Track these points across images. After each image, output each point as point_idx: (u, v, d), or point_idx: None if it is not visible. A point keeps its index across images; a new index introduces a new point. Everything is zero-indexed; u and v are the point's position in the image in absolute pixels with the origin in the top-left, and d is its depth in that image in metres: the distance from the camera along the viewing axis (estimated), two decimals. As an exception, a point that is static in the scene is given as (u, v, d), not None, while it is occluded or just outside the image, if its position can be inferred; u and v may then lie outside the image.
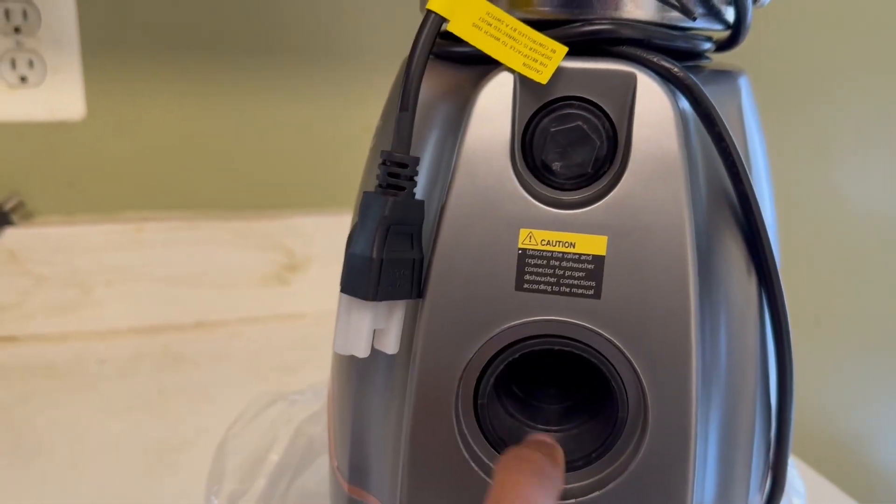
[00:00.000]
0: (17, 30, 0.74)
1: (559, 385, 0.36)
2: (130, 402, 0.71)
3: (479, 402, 0.32)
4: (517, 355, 0.32)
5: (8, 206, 0.78)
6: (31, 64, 0.75)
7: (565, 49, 0.30)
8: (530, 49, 0.30)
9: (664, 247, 0.30)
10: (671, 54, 0.33)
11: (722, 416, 0.33)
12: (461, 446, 0.33)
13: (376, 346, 0.32)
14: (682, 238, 0.30)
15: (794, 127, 0.95)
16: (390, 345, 0.32)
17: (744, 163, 0.32)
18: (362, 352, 0.31)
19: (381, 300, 0.30)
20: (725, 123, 0.31)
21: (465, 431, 0.33)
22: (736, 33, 0.35)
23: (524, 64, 0.30)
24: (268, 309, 0.87)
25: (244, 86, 0.82)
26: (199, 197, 0.84)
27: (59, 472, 0.60)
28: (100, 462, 0.61)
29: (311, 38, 0.82)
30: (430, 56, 0.35)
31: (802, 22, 0.90)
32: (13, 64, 0.75)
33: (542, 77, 0.30)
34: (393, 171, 0.30)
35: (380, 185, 0.31)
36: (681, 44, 0.34)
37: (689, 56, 0.35)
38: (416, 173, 0.31)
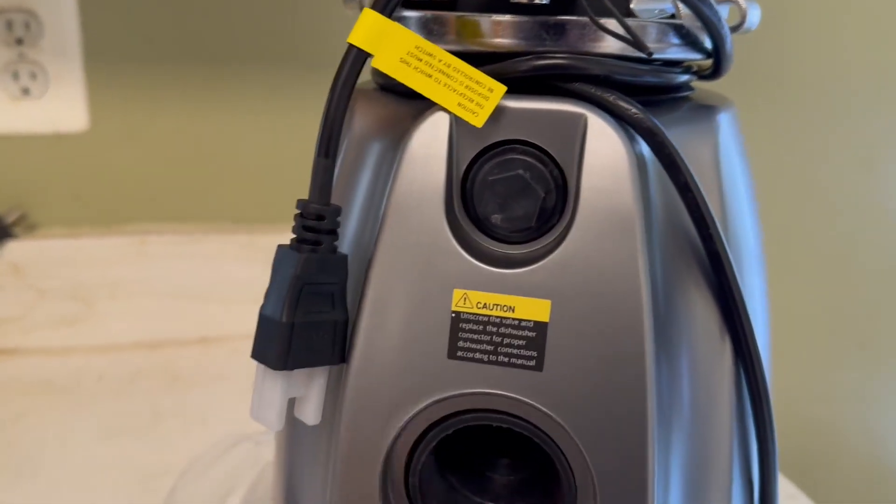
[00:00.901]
0: (19, 41, 0.73)
1: (514, 454, 0.33)
2: (123, 424, 0.70)
3: (409, 480, 0.29)
4: (450, 431, 0.28)
5: (10, 218, 0.77)
6: (33, 76, 0.74)
7: (503, 88, 0.27)
8: (466, 87, 0.27)
9: (616, 313, 0.27)
10: (640, 91, 0.29)
11: (687, 495, 0.29)
12: (392, 528, 0.29)
13: (296, 415, 0.29)
14: (636, 304, 0.27)
15: (838, 137, 0.89)
16: (310, 415, 0.29)
17: (713, 216, 0.28)
18: (274, 425, 0.28)
19: (293, 368, 0.27)
20: (692, 172, 0.27)
21: (394, 512, 0.30)
22: (717, 62, 0.31)
23: (459, 104, 0.27)
24: (272, 325, 0.85)
25: (250, 96, 0.80)
26: (205, 210, 0.83)
27: (42, 495, 0.58)
28: (84, 487, 0.60)
29: (321, 48, 0.80)
30: (374, 87, 0.32)
31: (845, 27, 0.85)
32: (15, 76, 0.74)
33: (478, 119, 0.27)
34: (308, 225, 0.27)
35: (294, 240, 0.27)
36: (649, 79, 0.30)
37: (663, 91, 0.31)
38: (337, 225, 0.28)
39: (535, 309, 0.27)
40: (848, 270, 0.92)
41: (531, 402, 0.27)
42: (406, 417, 0.28)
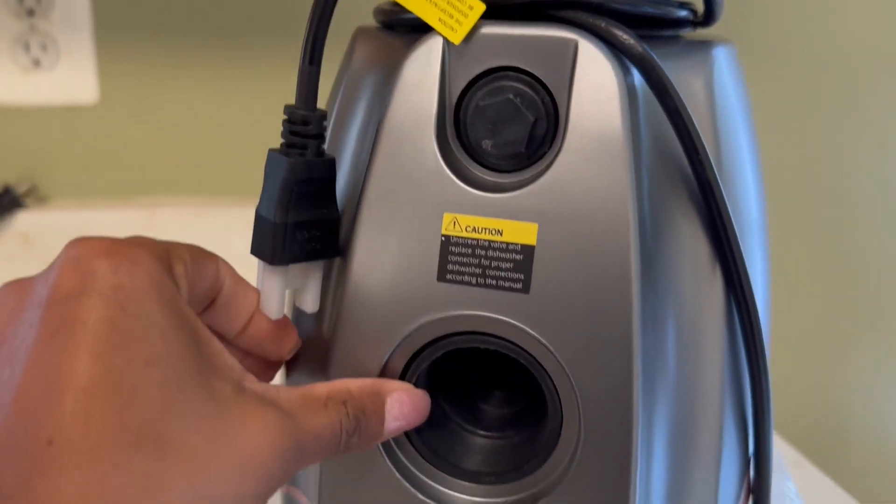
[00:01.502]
0: (30, 13, 0.74)
1: (505, 387, 0.33)
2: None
3: (400, 403, 0.29)
4: (440, 353, 0.29)
5: (21, 189, 0.78)
6: (44, 47, 0.75)
7: (482, 7, 0.27)
8: (447, 3, 0.27)
9: (602, 237, 0.27)
10: (637, 23, 0.29)
11: (673, 425, 0.29)
12: (380, 450, 0.30)
13: (296, 305, 0.31)
14: (622, 227, 0.27)
15: (848, 117, 0.88)
16: (309, 304, 0.30)
17: (704, 144, 0.28)
18: (273, 314, 0.29)
19: (288, 264, 0.28)
20: (683, 99, 0.28)
21: (385, 435, 0.30)
22: (710, 6, 0.31)
23: (440, 19, 0.27)
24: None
25: (260, 70, 0.81)
26: (214, 183, 0.83)
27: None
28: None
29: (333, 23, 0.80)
30: (376, 27, 0.33)
31: (855, 5, 0.84)
32: (26, 47, 0.75)
33: (456, 36, 0.27)
34: (295, 130, 0.28)
35: (283, 144, 0.29)
36: (648, 9, 0.30)
37: (661, 24, 0.31)
38: (323, 129, 0.29)
39: (522, 232, 0.27)
40: (856, 251, 0.91)
41: (517, 323, 0.28)
42: (397, 340, 0.29)
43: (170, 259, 0.25)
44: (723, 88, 0.31)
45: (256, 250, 0.29)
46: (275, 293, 0.29)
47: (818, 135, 0.86)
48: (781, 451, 0.58)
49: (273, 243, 0.28)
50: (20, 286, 0.24)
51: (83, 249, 0.23)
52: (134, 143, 0.80)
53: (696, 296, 0.29)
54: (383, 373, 0.29)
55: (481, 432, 0.31)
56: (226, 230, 0.83)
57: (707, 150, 0.28)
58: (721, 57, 0.31)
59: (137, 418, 0.21)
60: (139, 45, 0.78)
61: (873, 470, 0.95)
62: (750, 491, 0.34)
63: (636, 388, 0.27)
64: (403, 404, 0.28)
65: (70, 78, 0.77)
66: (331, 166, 0.29)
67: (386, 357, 0.29)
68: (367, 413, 0.26)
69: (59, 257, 0.24)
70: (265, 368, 0.30)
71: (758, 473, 0.33)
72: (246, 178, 0.84)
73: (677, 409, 0.29)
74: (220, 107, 0.80)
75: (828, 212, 0.88)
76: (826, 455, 0.71)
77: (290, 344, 0.30)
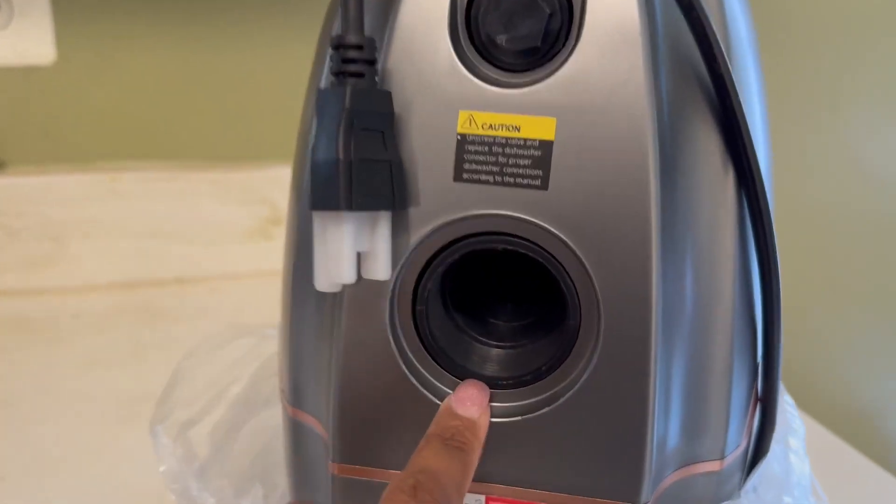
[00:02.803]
0: (-18, -31, 0.71)
1: (519, 301, 0.33)
2: (104, 356, 0.68)
3: (416, 308, 0.29)
4: (457, 256, 0.28)
5: (-23, 154, 0.75)
6: (-2, 5, 0.72)
7: None
8: None
9: (620, 129, 0.27)
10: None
11: (691, 323, 0.29)
12: (397, 357, 0.29)
13: (366, 276, 0.28)
14: (640, 119, 0.27)
15: (800, 76, 0.89)
16: (381, 269, 0.28)
17: (718, 39, 0.28)
18: (347, 276, 0.26)
19: (358, 210, 0.26)
20: (696, -4, 0.27)
21: (402, 341, 0.30)
22: None
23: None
24: (250, 264, 0.84)
25: (227, 27, 0.78)
26: (179, 146, 0.81)
27: (23, 423, 0.57)
28: (67, 413, 0.59)
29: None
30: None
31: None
32: (-21, 5, 0.72)
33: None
34: (349, 56, 0.26)
35: (334, 75, 0.27)
36: None
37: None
38: (376, 58, 0.27)
39: (540, 127, 0.27)
40: (815, 222, 0.91)
41: (536, 220, 0.27)
42: (413, 243, 0.28)
43: None
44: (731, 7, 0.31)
45: (320, 202, 0.26)
46: (344, 251, 0.26)
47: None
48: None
49: (341, 184, 0.25)
50: None
51: None
52: (95, 105, 0.78)
53: (711, 192, 0.29)
54: (399, 278, 0.29)
55: (495, 343, 0.31)
56: (194, 195, 0.82)
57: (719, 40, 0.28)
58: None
59: None
60: (98, 1, 0.75)
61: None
62: (758, 399, 0.34)
63: (654, 283, 0.27)
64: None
65: (25, 37, 0.74)
66: (389, 100, 0.27)
67: (402, 261, 0.28)
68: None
69: None
70: None
71: (766, 379, 0.33)
72: (213, 140, 0.82)
73: (693, 307, 0.29)
74: (184, 66, 0.78)
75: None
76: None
77: None
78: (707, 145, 0.29)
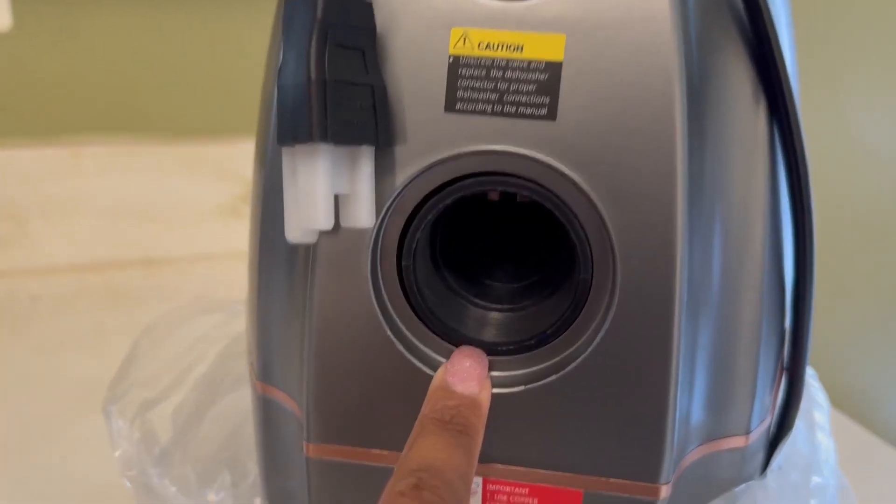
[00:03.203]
0: (-71, -74, 0.66)
1: (520, 259, 0.29)
2: (63, 340, 0.64)
3: (402, 263, 0.25)
4: (449, 201, 0.24)
5: (-73, 127, 0.70)
6: (-54, -34, 0.67)
7: None
8: None
9: (641, 47, 0.23)
10: None
11: (718, 284, 0.26)
12: (381, 320, 0.25)
13: (345, 224, 0.24)
14: (664, 36, 0.23)
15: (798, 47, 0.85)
16: (363, 214, 0.24)
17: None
18: (322, 220, 0.22)
19: (334, 141, 0.22)
20: None
21: (387, 301, 0.26)
22: None
23: None
24: (222, 244, 0.80)
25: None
26: (145, 119, 0.77)
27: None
28: (22, 399, 0.54)
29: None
30: None
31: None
32: (-75, -34, 0.67)
33: None
34: None
35: None
36: None
37: None
38: None
39: (547, 46, 0.23)
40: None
41: (543, 157, 0.24)
42: (399, 185, 0.24)
43: None
44: None
45: (289, 133, 0.22)
46: (320, 189, 0.22)
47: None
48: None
49: (314, 111, 0.21)
50: None
51: None
52: (55, 75, 0.73)
53: (742, 126, 0.25)
54: (383, 227, 0.25)
55: (493, 305, 0.27)
56: (162, 171, 0.78)
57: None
58: None
59: None
60: (56, -35, 0.70)
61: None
62: (783, 368, 0.31)
63: (679, 229, 0.24)
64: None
65: (-22, 2, 0.69)
66: (370, 12, 0.23)
67: (386, 206, 0.24)
68: None
69: None
70: None
71: (795, 346, 0.30)
72: (179, 114, 0.78)
73: (722, 258, 0.25)
74: (152, 32, 0.74)
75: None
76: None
77: None
78: (737, 72, 0.25)
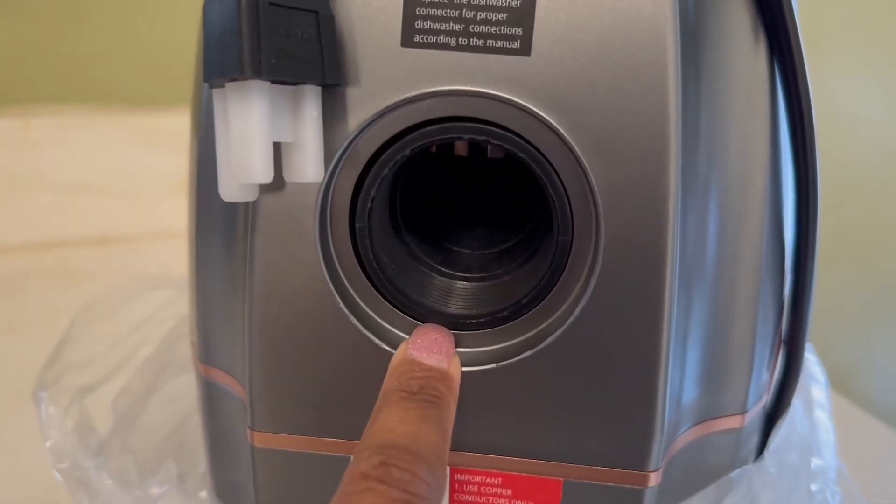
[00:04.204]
0: None
1: (491, 222, 0.26)
2: (13, 322, 0.61)
3: (356, 225, 0.22)
4: (407, 152, 0.21)
5: None
6: None
7: None
8: None
9: (627, -29, 0.20)
10: None
11: (714, 247, 0.23)
12: (332, 290, 0.22)
13: (288, 178, 0.20)
14: (653, -43, 0.20)
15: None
16: (310, 167, 0.20)
17: None
18: (259, 172, 0.19)
19: (270, 75, 0.18)
20: None
21: (338, 269, 0.22)
22: None
23: None
24: (181, 221, 0.76)
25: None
26: (98, 88, 0.73)
27: None
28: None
29: None
30: None
31: None
32: None
33: None
34: None
35: None
36: None
37: None
38: None
39: (519, -31, 0.20)
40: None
41: (515, 99, 0.20)
42: (349, 133, 0.21)
43: None
44: None
45: (217, 67, 0.18)
46: (256, 134, 0.18)
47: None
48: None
49: (245, 39, 0.18)
50: None
51: None
52: (1, 45, 0.69)
53: (741, 67, 0.22)
54: (332, 184, 0.21)
55: (460, 274, 0.24)
56: (111, 142, 0.74)
57: None
58: None
59: None
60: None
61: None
62: (781, 342, 0.28)
63: (672, 182, 0.21)
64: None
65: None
66: None
67: (335, 158, 0.21)
68: None
69: None
70: None
71: (794, 316, 0.27)
72: (137, 82, 0.74)
73: (719, 218, 0.23)
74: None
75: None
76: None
77: None
78: (736, 7, 0.22)
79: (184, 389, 0.37)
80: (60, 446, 0.31)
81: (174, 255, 0.73)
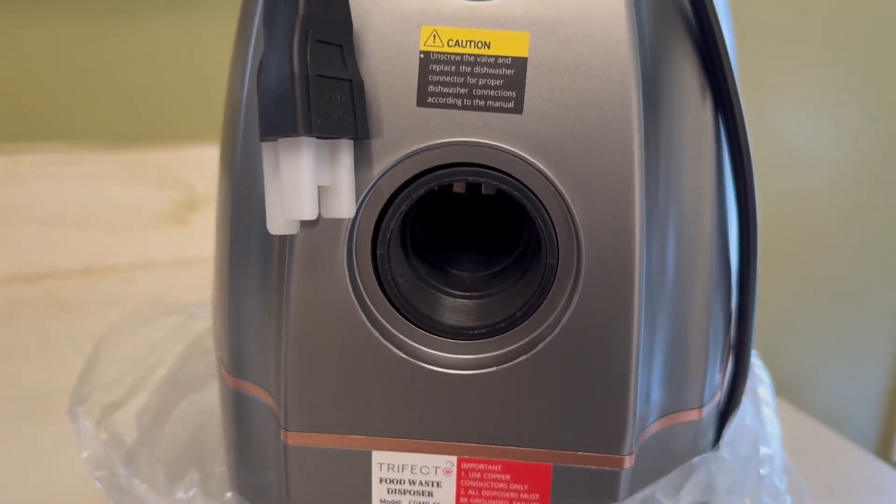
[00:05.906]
0: None
1: (486, 249, 0.30)
2: (8, 351, 0.63)
3: (377, 252, 0.26)
4: (422, 191, 0.26)
5: None
6: None
7: None
8: None
9: (601, 44, 0.24)
10: None
11: (673, 262, 0.27)
12: (357, 307, 0.26)
13: (326, 215, 0.25)
14: (621, 32, 0.24)
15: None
16: (344, 205, 0.24)
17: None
18: (308, 210, 0.23)
19: (318, 134, 0.23)
20: None
21: (362, 289, 0.26)
22: None
23: None
24: (164, 252, 0.79)
25: None
26: (83, 125, 0.75)
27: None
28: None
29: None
30: None
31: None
32: None
33: None
34: None
35: None
36: None
37: None
38: None
39: (512, 43, 0.24)
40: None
41: (510, 148, 0.25)
42: (375, 176, 0.25)
43: None
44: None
45: (273, 127, 0.23)
46: (306, 180, 0.23)
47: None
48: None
49: (298, 104, 0.22)
50: None
51: None
52: (-11, 81, 0.72)
53: (691, 116, 0.27)
54: (358, 219, 0.26)
55: (462, 294, 0.29)
56: (98, 177, 0.76)
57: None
58: None
59: None
60: (-11, -32, 0.69)
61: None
62: (730, 347, 0.33)
63: (638, 211, 0.25)
64: None
65: None
66: (346, 8, 0.24)
67: (362, 197, 0.25)
68: None
69: None
70: None
71: (741, 324, 0.32)
72: (122, 119, 0.77)
73: (677, 239, 0.27)
74: (87, 35, 0.73)
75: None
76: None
77: None
78: (686, 67, 0.27)
79: (198, 406, 0.40)
80: (96, 456, 0.34)
81: (158, 284, 0.76)
